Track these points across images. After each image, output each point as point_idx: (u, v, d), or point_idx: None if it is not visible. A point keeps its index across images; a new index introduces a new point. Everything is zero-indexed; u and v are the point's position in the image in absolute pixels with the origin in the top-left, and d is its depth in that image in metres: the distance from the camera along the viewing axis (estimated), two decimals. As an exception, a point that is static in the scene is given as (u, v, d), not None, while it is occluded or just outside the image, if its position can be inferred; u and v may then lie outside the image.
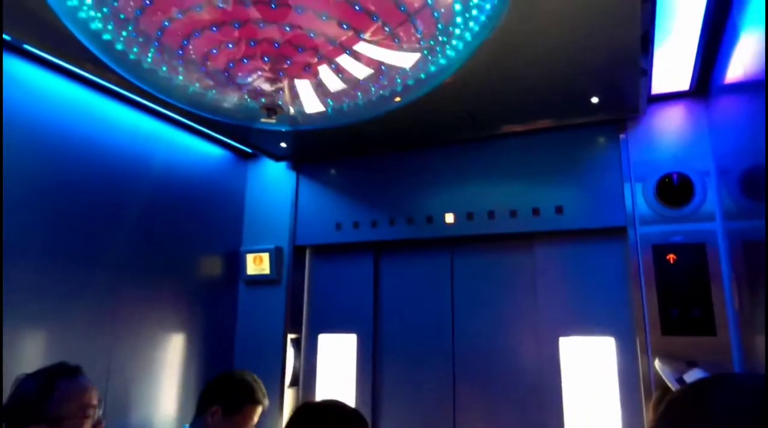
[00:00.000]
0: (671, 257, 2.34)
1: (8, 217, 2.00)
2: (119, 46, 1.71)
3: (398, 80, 1.82)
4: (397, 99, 1.90)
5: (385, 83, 1.81)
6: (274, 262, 3.21)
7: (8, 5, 1.77)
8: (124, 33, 1.62)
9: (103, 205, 2.45)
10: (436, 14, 1.57)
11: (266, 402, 2.35)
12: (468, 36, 1.72)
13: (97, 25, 1.63)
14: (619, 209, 2.52)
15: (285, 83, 1.71)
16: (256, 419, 2.33)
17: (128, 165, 2.61)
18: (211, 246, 3.18)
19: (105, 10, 1.53)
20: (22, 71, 2.16)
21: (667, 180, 2.40)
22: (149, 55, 1.72)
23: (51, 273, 2.16)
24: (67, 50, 2.09)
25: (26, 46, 2.10)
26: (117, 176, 2.54)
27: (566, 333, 2.64)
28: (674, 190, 2.37)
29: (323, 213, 3.22)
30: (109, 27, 1.61)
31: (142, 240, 2.65)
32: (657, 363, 2.27)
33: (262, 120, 1.90)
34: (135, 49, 1.71)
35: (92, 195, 2.40)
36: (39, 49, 2.11)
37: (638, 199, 2.49)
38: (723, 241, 2.30)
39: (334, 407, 1.56)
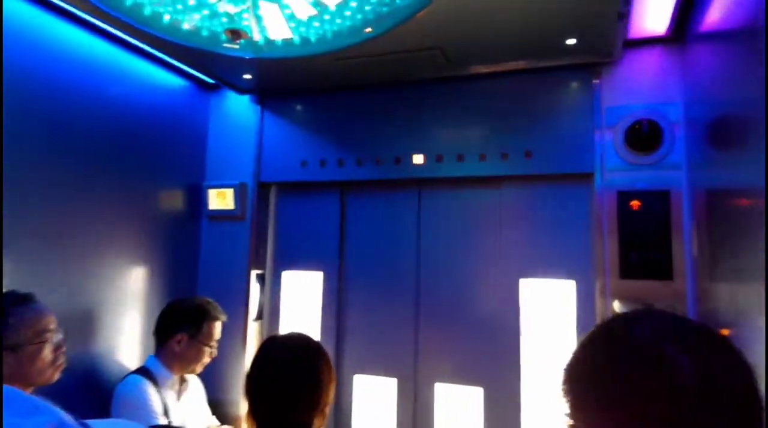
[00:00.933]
0: (635, 203, 2.36)
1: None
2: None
3: (369, 7, 1.73)
4: (368, 29, 1.82)
5: (356, 9, 1.71)
6: (238, 198, 3.14)
7: None
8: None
9: (57, 133, 2.32)
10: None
11: (224, 317, 2.54)
12: None
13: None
14: (588, 155, 2.52)
15: (250, 3, 1.60)
16: (218, 334, 2.48)
17: (83, 91, 2.46)
18: (173, 180, 3.08)
19: None
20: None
21: (637, 127, 2.40)
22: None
23: (5, 202, 2.05)
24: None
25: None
26: (70, 102, 2.39)
27: (527, 275, 2.69)
28: (643, 136, 2.38)
29: (288, 150, 3.14)
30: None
31: (101, 170, 2.54)
32: (615, 305, 2.34)
33: (225, 45, 1.79)
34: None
35: (44, 122, 2.27)
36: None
37: (607, 145, 2.49)
38: (686, 189, 2.33)
39: (299, 338, 1.64)
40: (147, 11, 1.70)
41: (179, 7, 1.70)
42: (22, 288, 1.82)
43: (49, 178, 2.29)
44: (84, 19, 2.40)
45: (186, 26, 1.80)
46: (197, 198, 3.22)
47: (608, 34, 2.24)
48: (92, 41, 2.52)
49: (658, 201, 2.33)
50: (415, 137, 2.87)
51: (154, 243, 2.89)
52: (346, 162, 2.99)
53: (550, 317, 2.63)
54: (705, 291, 2.08)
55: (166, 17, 1.69)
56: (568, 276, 2.62)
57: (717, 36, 1.86)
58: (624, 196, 2.40)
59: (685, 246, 2.30)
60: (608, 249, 2.43)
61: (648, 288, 2.32)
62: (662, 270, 2.29)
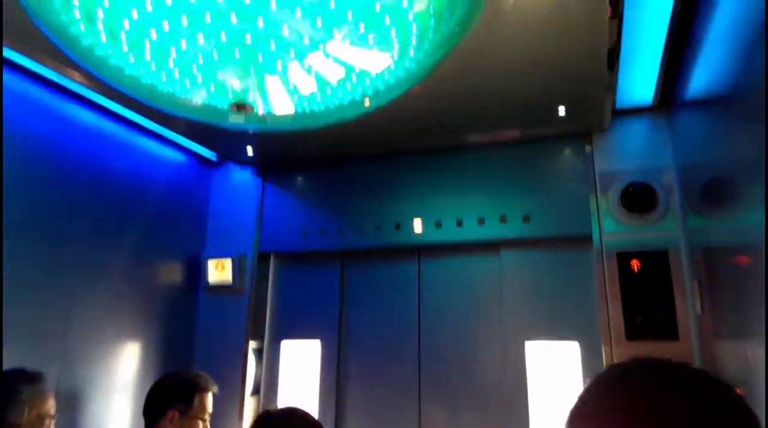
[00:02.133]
0: (635, 263, 2.39)
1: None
2: (85, 42, 1.66)
3: (368, 84, 1.81)
4: (367, 103, 1.90)
5: (355, 84, 1.80)
6: (237, 269, 3.13)
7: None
8: (91, 27, 1.57)
9: (60, 207, 2.35)
10: (406, 15, 1.57)
11: (215, 388, 2.42)
12: (437, 41, 1.73)
13: (61, 19, 1.57)
14: (584, 218, 2.57)
15: (254, 80, 1.68)
16: (210, 407, 2.36)
17: (88, 167, 2.51)
18: (173, 252, 3.08)
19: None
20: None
21: (631, 189, 2.46)
22: (116, 48, 1.67)
23: (6, 275, 2.04)
24: (28, 44, 2.00)
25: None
26: (75, 178, 2.44)
27: (532, 337, 2.67)
28: (638, 198, 2.43)
29: (289, 220, 3.17)
30: (77, 22, 1.56)
31: (102, 244, 2.55)
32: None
33: (231, 118, 1.87)
34: (103, 43, 1.65)
35: (48, 196, 2.30)
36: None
37: (603, 207, 2.54)
38: (685, 248, 2.36)
39: (293, 413, 1.57)
40: (162, 89, 1.78)
41: (187, 83, 1.78)
42: (21, 360, 1.79)
43: (54, 255, 2.29)
44: (90, 99, 2.49)
45: (193, 102, 1.88)
46: (196, 270, 3.21)
47: (597, 104, 2.35)
48: (99, 119, 2.61)
49: (657, 261, 2.36)
50: (413, 204, 2.92)
51: (151, 317, 2.85)
52: (345, 230, 3.02)
53: (556, 379, 2.58)
54: (712, 349, 2.06)
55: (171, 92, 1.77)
56: (573, 338, 2.59)
57: (702, 103, 1.96)
58: (623, 257, 2.42)
59: (688, 305, 2.30)
60: (612, 310, 2.42)
61: (654, 350, 2.29)
62: (667, 330, 2.28)
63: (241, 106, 1.70)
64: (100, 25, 1.52)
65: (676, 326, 2.28)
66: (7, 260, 2.04)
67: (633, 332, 2.34)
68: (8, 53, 2.07)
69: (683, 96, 2.24)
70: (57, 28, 1.60)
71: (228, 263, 3.14)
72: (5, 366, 1.75)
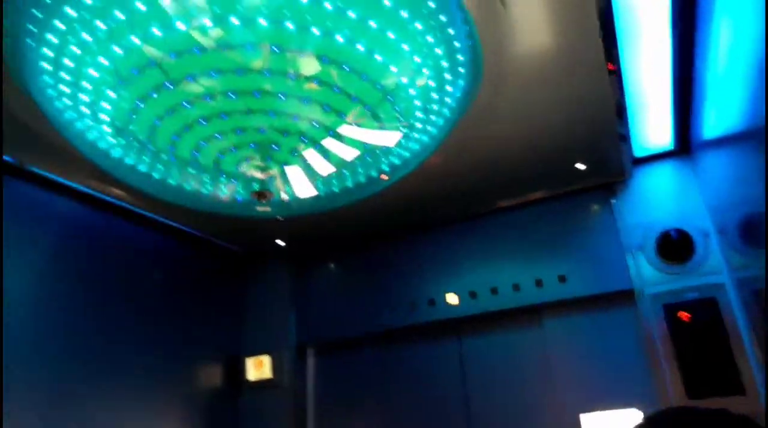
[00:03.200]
0: (684, 315, 2.26)
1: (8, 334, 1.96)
2: (116, 153, 1.78)
3: (383, 160, 1.87)
4: (384, 177, 1.95)
5: (371, 162, 1.86)
6: (276, 365, 3.08)
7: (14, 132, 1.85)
8: (120, 140, 1.70)
9: (97, 314, 2.40)
10: (411, 93, 1.64)
11: None
12: (444, 113, 1.80)
13: (93, 135, 1.70)
14: (622, 272, 2.49)
15: (275, 170, 1.75)
16: None
17: (125, 274, 2.59)
18: (210, 351, 3.07)
19: (103, 118, 1.61)
20: (27, 192, 2.22)
21: (665, 237, 2.39)
22: (144, 158, 1.79)
23: (50, 381, 2.08)
24: (72, 169, 2.18)
25: (32, 168, 2.18)
26: (114, 285, 2.51)
27: (587, 409, 2.49)
28: (674, 246, 2.36)
29: (323, 308, 3.16)
30: (107, 138, 1.69)
31: (142, 350, 2.57)
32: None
33: (258, 208, 1.93)
34: (130, 154, 1.77)
35: (86, 305, 2.37)
36: (46, 172, 2.20)
37: (640, 259, 2.46)
38: (733, 293, 2.23)
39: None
40: (188, 187, 1.88)
41: (210, 182, 1.87)
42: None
43: (96, 362, 2.32)
44: (129, 210, 2.61)
45: (221, 200, 1.96)
46: (234, 368, 3.17)
47: (614, 155, 2.35)
48: (137, 230, 2.72)
49: (706, 309, 2.23)
50: (446, 277, 2.88)
51: (192, 420, 2.79)
52: (381, 312, 2.98)
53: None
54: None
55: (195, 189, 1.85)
56: (631, 405, 2.41)
57: (722, 140, 1.93)
58: (671, 309, 2.30)
59: (748, 354, 2.14)
60: (668, 368, 2.26)
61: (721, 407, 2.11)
62: (731, 385, 2.10)
63: (262, 194, 1.76)
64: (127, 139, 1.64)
65: (740, 379, 2.11)
66: (51, 367, 2.08)
67: (694, 390, 2.17)
68: (53, 176, 2.24)
69: (701, 136, 2.23)
70: (94, 149, 1.74)
71: (266, 359, 3.11)
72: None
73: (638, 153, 2.56)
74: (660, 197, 2.54)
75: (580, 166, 2.41)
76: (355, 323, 3.03)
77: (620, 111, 2.07)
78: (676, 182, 2.53)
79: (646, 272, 2.43)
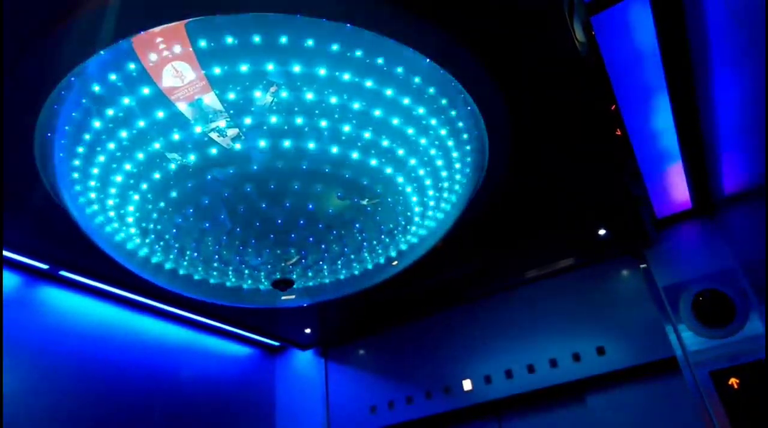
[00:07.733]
0: (734, 381, 2.12)
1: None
2: (142, 253, 1.85)
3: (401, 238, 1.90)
4: (395, 262, 1.99)
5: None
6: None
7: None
8: (146, 240, 1.77)
9: (135, 415, 2.40)
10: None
11: None
12: (446, 207, 1.86)
13: (121, 237, 1.79)
14: (661, 339, 2.37)
15: (298, 257, 1.79)
16: None
17: (158, 375, 2.60)
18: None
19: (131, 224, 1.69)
20: (56, 296, 2.30)
21: (701, 298, 2.29)
22: (170, 257, 1.85)
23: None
24: (100, 271, 2.25)
25: (62, 273, 2.26)
26: (146, 386, 2.52)
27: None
28: (712, 307, 2.26)
29: (356, 397, 3.06)
30: (134, 238, 1.77)
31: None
32: None
33: (283, 298, 1.96)
34: (157, 254, 1.84)
35: (124, 405, 2.37)
36: (74, 273, 2.27)
37: (679, 325, 2.35)
38: (783, 353, 2.10)
39: None
40: (213, 281, 1.93)
41: (235, 274, 1.92)
42: None
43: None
44: (157, 308, 2.66)
45: (245, 291, 2.00)
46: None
47: (635, 218, 2.32)
48: (166, 327, 2.76)
49: (756, 373, 2.08)
50: (478, 356, 2.78)
51: None
52: (414, 398, 2.87)
53: None
54: None
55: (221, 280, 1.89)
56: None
57: (743, 196, 1.90)
58: (719, 377, 2.16)
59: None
60: (725, 440, 2.09)
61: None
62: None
63: (282, 281, 1.79)
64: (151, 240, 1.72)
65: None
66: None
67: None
68: (81, 278, 2.32)
69: (721, 193, 2.19)
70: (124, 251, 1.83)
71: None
72: None
73: (661, 214, 2.53)
74: (689, 258, 2.46)
75: (602, 232, 2.40)
76: (388, 412, 2.91)
77: (634, 174, 2.07)
78: (705, 241, 2.47)
79: (686, 338, 2.31)
